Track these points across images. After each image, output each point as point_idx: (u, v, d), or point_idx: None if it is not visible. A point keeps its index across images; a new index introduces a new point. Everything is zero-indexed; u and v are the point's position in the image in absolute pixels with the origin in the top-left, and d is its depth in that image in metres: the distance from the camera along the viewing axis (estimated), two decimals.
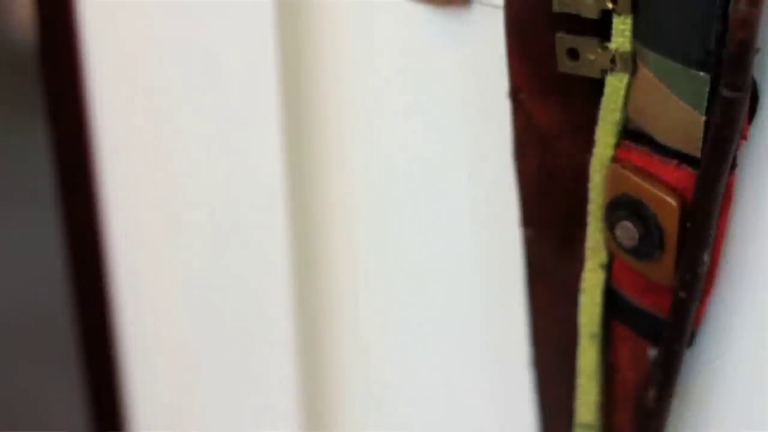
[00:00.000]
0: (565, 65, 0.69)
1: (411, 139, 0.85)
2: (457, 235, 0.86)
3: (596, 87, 0.70)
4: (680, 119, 0.66)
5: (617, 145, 0.70)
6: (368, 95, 0.85)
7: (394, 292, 0.90)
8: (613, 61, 0.68)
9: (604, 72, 0.69)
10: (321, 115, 0.88)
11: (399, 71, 0.83)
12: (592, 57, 0.68)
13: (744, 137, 0.66)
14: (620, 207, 0.70)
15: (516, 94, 0.73)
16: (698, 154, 0.66)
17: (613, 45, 0.68)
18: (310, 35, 0.86)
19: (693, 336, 0.72)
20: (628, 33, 0.67)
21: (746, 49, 0.61)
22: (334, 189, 0.90)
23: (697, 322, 0.72)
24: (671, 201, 0.68)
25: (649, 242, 0.69)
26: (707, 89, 0.64)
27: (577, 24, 0.68)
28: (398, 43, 0.82)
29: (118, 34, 0.92)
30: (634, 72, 0.68)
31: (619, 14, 0.66)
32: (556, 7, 0.68)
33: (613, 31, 0.67)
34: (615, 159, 0.71)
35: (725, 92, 0.63)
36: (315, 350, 0.92)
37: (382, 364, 0.92)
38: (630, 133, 0.70)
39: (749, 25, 0.61)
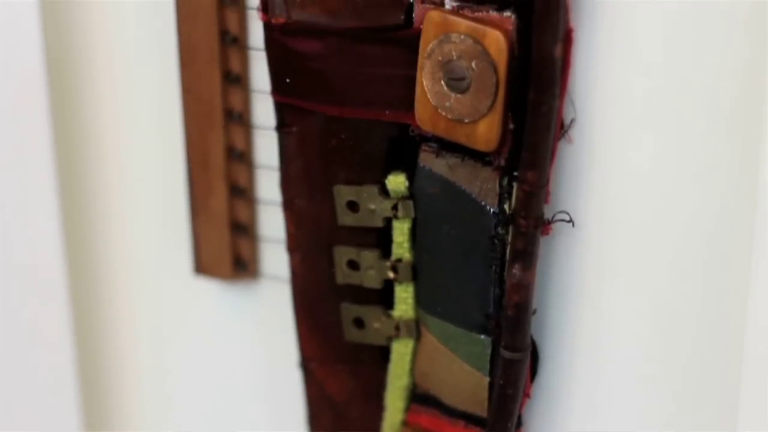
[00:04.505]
0: (352, 334, 0.69)
1: (206, 411, 0.82)
2: None
3: (384, 354, 0.69)
4: (465, 381, 0.66)
5: (407, 409, 0.69)
6: (162, 370, 0.83)
7: None
8: (397, 328, 0.68)
9: (390, 339, 0.68)
10: (119, 389, 0.85)
11: (191, 344, 0.81)
12: (377, 325, 0.68)
13: (527, 395, 0.65)
14: None
15: (306, 363, 0.71)
16: (485, 414, 0.65)
17: (396, 313, 0.67)
18: (104, 312, 0.83)
19: None
20: (410, 301, 0.67)
21: (523, 312, 0.62)
22: None
23: None
24: None
25: None
26: (489, 351, 0.64)
27: (361, 294, 0.68)
28: (189, 316, 0.80)
29: None
30: (418, 338, 0.68)
31: (401, 283, 0.66)
32: (340, 279, 0.68)
33: (396, 300, 0.67)
34: (405, 423, 0.69)
35: (506, 354, 0.63)
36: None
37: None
38: (418, 397, 0.69)
39: (524, 288, 0.61)
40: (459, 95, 0.59)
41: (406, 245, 0.65)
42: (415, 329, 0.67)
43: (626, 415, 0.65)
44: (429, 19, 0.60)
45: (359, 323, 0.68)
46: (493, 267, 0.62)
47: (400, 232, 0.65)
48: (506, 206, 0.61)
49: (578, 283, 0.64)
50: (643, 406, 0.65)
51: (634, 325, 0.63)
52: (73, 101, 0.78)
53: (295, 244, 0.69)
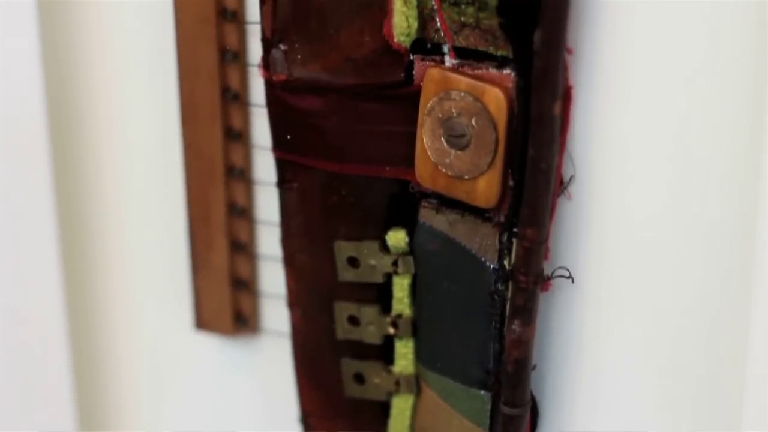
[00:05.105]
0: (352, 389, 0.68)
1: None
2: None
3: (384, 409, 0.68)
4: None
5: None
6: (163, 425, 0.82)
7: None
8: (397, 383, 0.67)
9: (390, 394, 0.68)
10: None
11: (192, 399, 0.80)
12: (377, 380, 0.68)
13: None
14: None
15: (306, 418, 0.71)
16: None
17: (396, 368, 0.67)
18: (105, 368, 0.83)
19: None
20: (410, 356, 0.66)
21: (523, 367, 0.61)
22: None
23: None
24: None
25: None
26: (489, 407, 0.63)
27: (361, 349, 0.67)
28: (190, 371, 0.79)
29: None
30: (418, 393, 0.67)
31: (401, 338, 0.66)
32: (341, 335, 0.67)
33: (396, 355, 0.67)
34: None
35: (506, 409, 0.62)
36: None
37: None
38: None
39: (524, 344, 0.61)
40: (459, 152, 0.59)
41: (407, 301, 0.65)
42: (415, 385, 0.67)
43: None
44: (429, 77, 0.60)
45: (359, 378, 0.68)
46: (493, 323, 0.62)
47: (401, 287, 0.65)
48: (506, 262, 0.60)
49: (578, 339, 0.64)
50: None
51: (633, 381, 0.63)
52: (75, 160, 0.78)
53: (295, 300, 0.68)
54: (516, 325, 0.60)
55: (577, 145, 0.60)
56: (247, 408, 0.78)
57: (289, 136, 0.65)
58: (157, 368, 0.81)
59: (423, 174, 0.61)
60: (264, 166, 0.70)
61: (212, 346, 0.78)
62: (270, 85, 0.64)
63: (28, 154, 0.76)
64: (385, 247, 0.64)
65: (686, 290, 0.60)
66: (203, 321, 0.75)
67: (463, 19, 0.58)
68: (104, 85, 0.75)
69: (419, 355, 0.66)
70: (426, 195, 0.63)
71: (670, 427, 0.63)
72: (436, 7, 0.59)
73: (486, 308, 0.61)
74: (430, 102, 0.60)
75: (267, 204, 0.71)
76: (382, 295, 0.66)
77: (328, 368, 0.69)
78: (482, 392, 0.63)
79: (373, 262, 0.65)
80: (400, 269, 0.64)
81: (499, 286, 0.61)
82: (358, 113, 0.63)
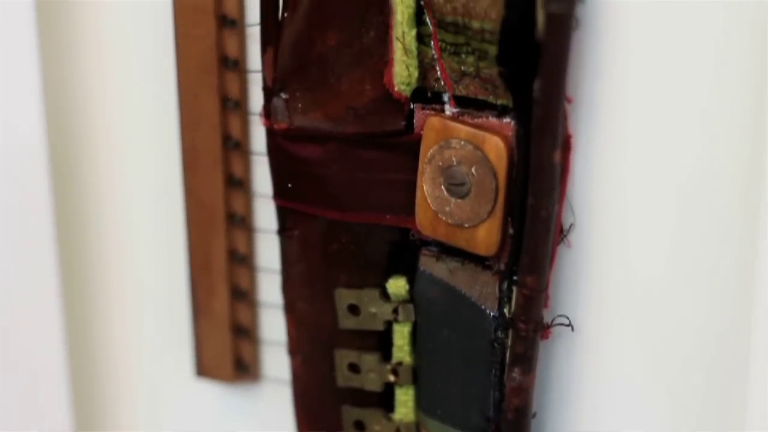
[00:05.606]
0: None
1: None
2: None
3: None
4: None
5: None
6: None
7: None
8: (398, 431, 0.67)
9: None
10: None
11: None
12: (377, 428, 0.67)
13: None
14: None
15: None
16: None
17: (397, 416, 0.66)
18: (106, 417, 0.83)
19: None
20: (410, 404, 0.66)
21: (523, 415, 0.61)
22: None
23: None
24: None
25: None
26: None
27: (361, 397, 0.67)
28: (191, 419, 0.79)
29: None
30: None
31: (401, 386, 0.66)
32: (341, 382, 0.67)
33: (396, 403, 0.66)
34: None
35: None
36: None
37: None
38: None
39: (524, 392, 0.60)
40: (459, 200, 0.59)
41: (407, 348, 0.65)
42: None
43: None
44: (429, 125, 0.60)
45: (360, 426, 0.68)
46: (493, 370, 0.61)
47: (401, 335, 0.65)
48: (506, 310, 0.60)
49: (577, 387, 0.63)
50: None
51: (633, 429, 0.63)
52: (77, 207, 0.78)
53: (296, 347, 0.68)
54: (516, 373, 0.60)
55: (576, 194, 0.60)
56: None
57: (289, 184, 0.65)
58: (158, 415, 0.81)
59: (423, 222, 0.61)
60: (265, 214, 0.70)
61: (213, 393, 0.77)
62: (271, 134, 0.64)
63: (29, 219, 0.76)
64: (385, 295, 0.64)
65: (686, 338, 0.60)
66: (204, 368, 0.74)
67: (463, 68, 0.58)
68: (106, 132, 0.76)
69: (419, 403, 0.66)
70: (426, 243, 0.62)
71: None
72: (436, 56, 0.59)
73: (486, 356, 0.61)
74: (431, 150, 0.60)
75: (268, 251, 0.71)
76: (382, 342, 0.65)
77: (328, 415, 0.68)
78: None
79: (373, 309, 0.65)
80: (400, 317, 0.64)
81: (499, 333, 0.60)
82: (359, 161, 0.63)
